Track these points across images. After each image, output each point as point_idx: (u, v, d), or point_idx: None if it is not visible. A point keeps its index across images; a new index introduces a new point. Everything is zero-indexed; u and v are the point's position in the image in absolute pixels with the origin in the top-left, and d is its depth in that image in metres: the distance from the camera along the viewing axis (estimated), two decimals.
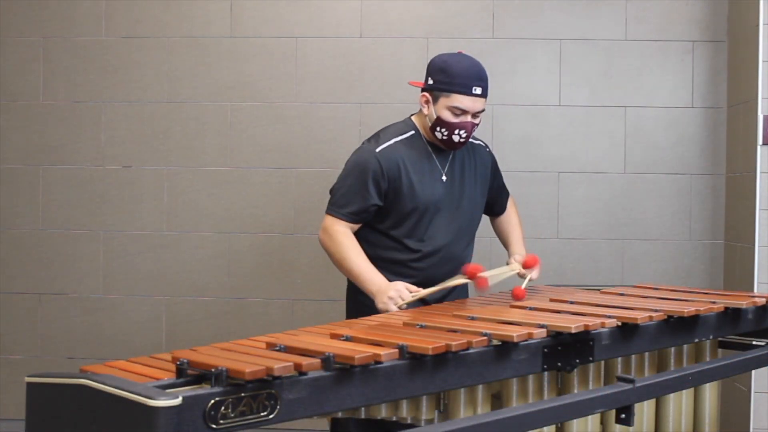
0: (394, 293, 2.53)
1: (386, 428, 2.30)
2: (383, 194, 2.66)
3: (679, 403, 2.29)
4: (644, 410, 2.22)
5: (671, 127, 3.93)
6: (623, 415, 1.93)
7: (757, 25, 3.46)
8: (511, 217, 3.00)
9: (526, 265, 2.71)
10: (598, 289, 2.61)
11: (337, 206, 2.69)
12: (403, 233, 2.70)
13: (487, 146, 2.90)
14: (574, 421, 2.04)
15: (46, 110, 4.08)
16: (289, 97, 4.00)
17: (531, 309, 2.23)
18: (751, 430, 3.47)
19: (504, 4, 3.95)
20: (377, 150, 2.65)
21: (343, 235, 2.66)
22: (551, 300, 2.36)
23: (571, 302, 2.30)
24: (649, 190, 3.93)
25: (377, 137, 2.71)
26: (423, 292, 2.54)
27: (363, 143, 2.73)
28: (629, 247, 3.94)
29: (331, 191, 2.75)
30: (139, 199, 4.06)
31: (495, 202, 2.95)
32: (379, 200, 2.66)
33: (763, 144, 3.45)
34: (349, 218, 2.67)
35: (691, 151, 3.93)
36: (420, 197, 2.66)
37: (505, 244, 2.98)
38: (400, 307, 2.52)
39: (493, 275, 2.54)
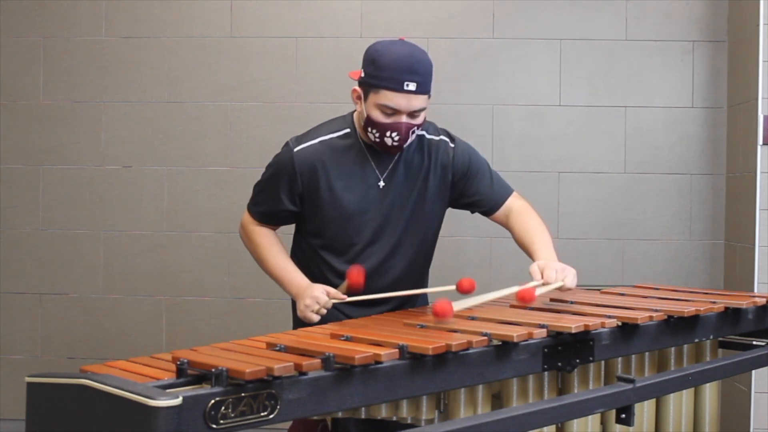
0: (310, 301, 2.29)
1: (386, 428, 2.30)
2: (299, 199, 2.39)
3: (679, 403, 2.28)
4: (644, 410, 2.22)
5: (671, 127, 3.93)
6: (623, 415, 1.92)
7: (757, 25, 3.46)
8: (527, 220, 2.46)
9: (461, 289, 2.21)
10: (598, 289, 2.61)
11: (253, 203, 2.49)
12: (321, 244, 2.42)
13: (453, 140, 2.45)
14: (574, 421, 2.04)
15: (46, 110, 4.08)
16: (289, 97, 4.00)
17: (531, 309, 2.23)
18: (751, 430, 3.47)
19: (504, 4, 3.94)
20: (295, 150, 2.36)
21: (258, 234, 2.47)
22: (551, 300, 2.35)
23: (571, 302, 2.29)
24: (649, 190, 3.93)
25: (305, 135, 2.42)
26: (346, 299, 2.28)
27: (289, 139, 2.44)
28: (629, 247, 3.94)
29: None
30: (139, 199, 4.06)
31: (477, 203, 2.51)
32: (292, 206, 2.40)
33: (763, 144, 3.44)
34: (261, 218, 2.47)
35: (691, 151, 3.92)
36: (345, 206, 2.35)
37: (528, 252, 2.44)
38: (319, 313, 2.29)
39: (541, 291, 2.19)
